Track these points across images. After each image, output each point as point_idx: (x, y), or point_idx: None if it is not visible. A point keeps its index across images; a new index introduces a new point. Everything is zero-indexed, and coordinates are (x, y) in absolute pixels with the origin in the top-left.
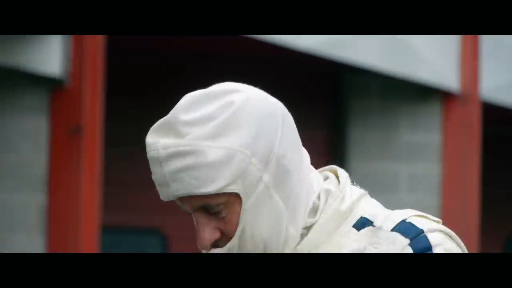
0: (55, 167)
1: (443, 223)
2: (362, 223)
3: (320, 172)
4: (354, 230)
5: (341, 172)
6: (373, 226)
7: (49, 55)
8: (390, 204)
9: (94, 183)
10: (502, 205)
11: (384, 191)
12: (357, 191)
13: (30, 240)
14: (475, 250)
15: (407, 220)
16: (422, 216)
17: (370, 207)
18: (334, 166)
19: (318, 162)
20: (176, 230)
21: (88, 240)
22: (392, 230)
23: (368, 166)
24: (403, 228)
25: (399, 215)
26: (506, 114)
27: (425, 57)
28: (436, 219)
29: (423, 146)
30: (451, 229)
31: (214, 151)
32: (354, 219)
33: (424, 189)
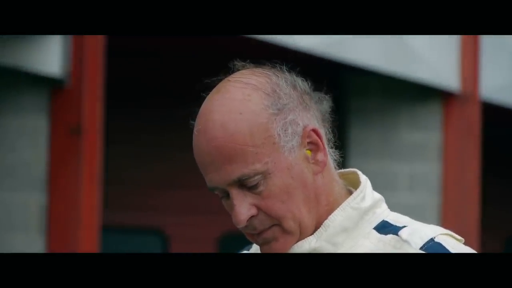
0: (55, 167)
1: (443, 223)
2: (383, 226)
3: (340, 175)
4: (375, 232)
5: (361, 174)
6: (397, 235)
7: (49, 55)
8: (390, 204)
9: (94, 183)
10: (502, 205)
11: (384, 191)
12: (378, 194)
13: (30, 240)
14: (475, 250)
15: (436, 240)
16: (448, 235)
17: (392, 212)
18: (354, 169)
19: None
20: (176, 230)
21: (88, 240)
22: (421, 248)
23: (368, 165)
24: (433, 249)
25: (426, 231)
26: (506, 114)
27: (425, 57)
28: (459, 237)
29: (423, 146)
30: (451, 229)
31: None
32: (375, 221)
33: (424, 188)
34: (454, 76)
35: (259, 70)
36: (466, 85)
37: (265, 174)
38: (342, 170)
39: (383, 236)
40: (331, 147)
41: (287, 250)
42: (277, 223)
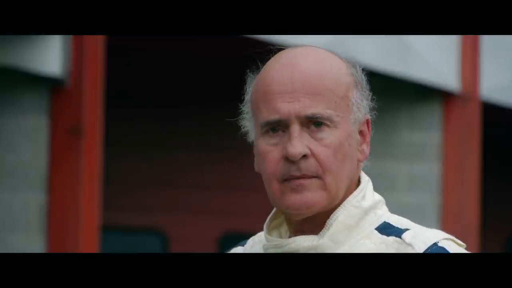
0: (55, 167)
1: (443, 223)
2: (385, 227)
3: None
4: (376, 232)
5: (363, 174)
6: (401, 238)
7: (49, 55)
8: (390, 204)
9: (94, 183)
10: (502, 205)
11: (383, 191)
12: (378, 195)
13: (30, 240)
14: (475, 250)
15: (439, 244)
16: (450, 240)
17: (392, 214)
18: None
19: None
20: (176, 230)
21: (88, 240)
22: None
23: (367, 165)
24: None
25: (429, 235)
26: (506, 114)
27: (425, 57)
28: (461, 242)
29: (423, 146)
30: (451, 229)
31: None
32: (377, 221)
33: (424, 189)
34: (454, 76)
35: None
36: (466, 85)
37: (333, 124)
38: None
39: (385, 237)
40: None
41: (315, 206)
42: (320, 175)
